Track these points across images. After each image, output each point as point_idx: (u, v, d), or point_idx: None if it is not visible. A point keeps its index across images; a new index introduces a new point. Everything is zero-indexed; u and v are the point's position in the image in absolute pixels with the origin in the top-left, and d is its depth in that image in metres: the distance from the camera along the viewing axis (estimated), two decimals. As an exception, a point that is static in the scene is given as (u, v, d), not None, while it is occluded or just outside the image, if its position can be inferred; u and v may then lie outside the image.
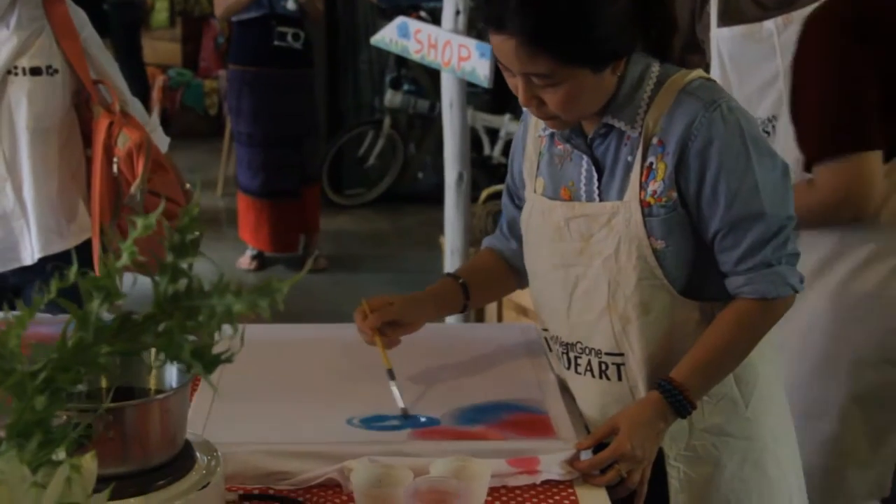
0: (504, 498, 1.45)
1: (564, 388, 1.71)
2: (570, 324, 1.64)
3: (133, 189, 2.39)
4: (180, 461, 1.27)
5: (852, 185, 1.98)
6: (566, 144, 1.62)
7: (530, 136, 1.71)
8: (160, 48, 8.43)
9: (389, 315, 1.68)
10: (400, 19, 3.36)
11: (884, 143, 2.00)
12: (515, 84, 1.52)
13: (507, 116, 5.99)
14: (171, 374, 1.32)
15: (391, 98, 6.19)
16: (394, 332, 1.69)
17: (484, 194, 4.08)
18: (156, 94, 8.05)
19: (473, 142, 5.56)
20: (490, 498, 1.43)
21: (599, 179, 1.59)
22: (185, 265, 0.69)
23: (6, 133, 2.37)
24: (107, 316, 0.71)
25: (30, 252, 2.43)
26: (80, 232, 2.46)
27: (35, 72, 2.38)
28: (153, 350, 0.73)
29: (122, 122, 2.42)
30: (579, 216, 1.59)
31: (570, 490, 1.47)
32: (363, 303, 1.69)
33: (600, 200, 1.58)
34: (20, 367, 0.66)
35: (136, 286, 0.74)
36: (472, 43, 3.09)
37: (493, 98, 5.91)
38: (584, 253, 1.59)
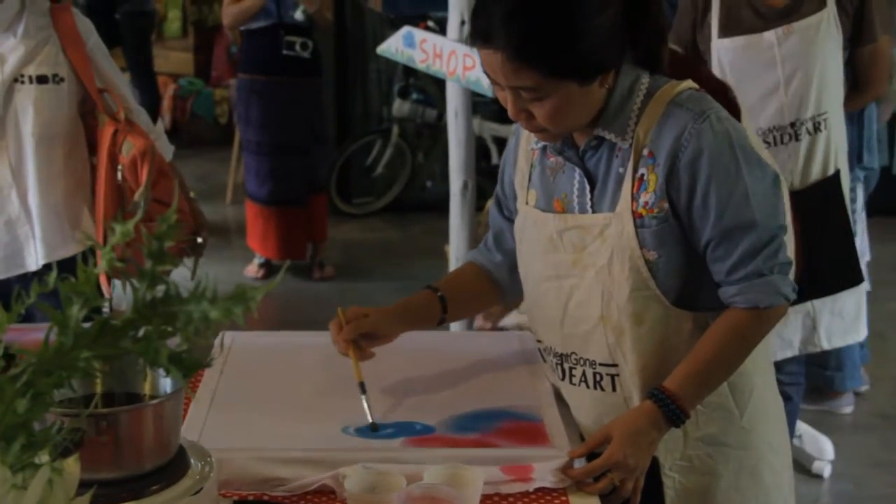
0: (497, 505, 1.45)
1: (560, 397, 1.72)
2: (563, 335, 1.64)
3: (137, 196, 2.41)
4: (174, 466, 1.28)
5: None
6: (558, 157, 1.63)
7: (522, 148, 1.71)
8: (172, 57, 8.47)
9: (364, 327, 1.68)
10: (406, 29, 3.38)
11: None
12: (505, 97, 1.52)
13: (515, 125, 5.99)
14: (166, 380, 1.33)
15: (399, 107, 6.21)
16: (368, 345, 1.69)
17: (490, 202, 4.08)
18: (166, 103, 8.10)
19: (481, 151, 5.56)
20: (483, 505, 1.44)
21: (592, 191, 1.59)
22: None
23: (12, 140, 2.40)
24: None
25: (34, 258, 2.45)
26: (85, 238, 2.48)
27: (41, 80, 2.40)
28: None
29: (127, 129, 2.44)
30: (572, 228, 1.60)
31: (564, 498, 1.47)
32: (339, 312, 1.69)
33: (593, 212, 1.58)
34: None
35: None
36: (476, 53, 3.10)
37: (501, 107, 5.91)
38: (577, 264, 1.59)
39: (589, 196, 1.59)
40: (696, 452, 1.63)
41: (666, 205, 1.53)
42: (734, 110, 1.60)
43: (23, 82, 2.39)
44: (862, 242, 3.21)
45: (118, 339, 0.68)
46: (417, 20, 5.34)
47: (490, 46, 1.47)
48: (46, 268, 2.44)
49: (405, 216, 6.34)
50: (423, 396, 1.72)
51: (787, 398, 2.96)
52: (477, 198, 3.51)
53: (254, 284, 5.16)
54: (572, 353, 1.64)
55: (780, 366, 2.89)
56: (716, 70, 2.74)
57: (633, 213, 1.53)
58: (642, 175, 1.53)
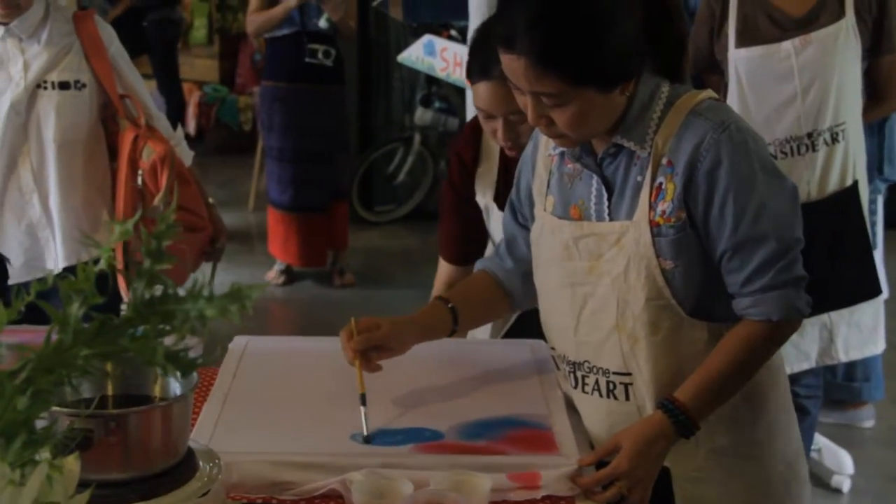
0: (505, 512, 1.45)
1: (571, 405, 1.71)
2: (577, 342, 1.64)
3: (156, 201, 2.44)
4: (182, 468, 1.29)
5: None
6: (576, 163, 1.63)
7: (540, 154, 1.71)
8: (198, 65, 8.53)
9: (375, 340, 1.67)
10: (427, 37, 3.40)
11: None
12: (525, 102, 1.53)
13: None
14: (176, 383, 1.34)
15: (421, 115, 6.22)
16: (378, 356, 1.67)
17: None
18: (191, 110, 8.16)
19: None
20: (491, 512, 1.44)
21: (609, 199, 1.59)
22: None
23: (34, 145, 2.44)
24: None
25: (54, 261, 2.48)
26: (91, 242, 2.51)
27: (63, 86, 2.44)
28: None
29: (147, 135, 2.47)
30: (588, 235, 1.60)
31: (571, 506, 1.48)
32: (351, 321, 1.68)
33: (610, 220, 1.58)
34: (-2, 368, 0.68)
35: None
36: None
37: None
38: (593, 272, 1.59)
39: (606, 203, 1.59)
40: (709, 464, 1.62)
41: (683, 214, 1.52)
42: None
43: (45, 88, 2.43)
44: (878, 254, 3.18)
45: (117, 338, 0.69)
46: (440, 29, 5.36)
47: (513, 52, 1.47)
48: (67, 271, 2.47)
49: (426, 224, 6.35)
50: (433, 403, 1.72)
51: (804, 411, 2.94)
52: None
53: (273, 291, 5.23)
54: (585, 361, 1.64)
55: (797, 378, 2.88)
56: (733, 80, 2.73)
57: (651, 221, 1.53)
58: (660, 184, 1.53)
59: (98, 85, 2.47)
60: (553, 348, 1.72)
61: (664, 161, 1.53)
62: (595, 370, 1.63)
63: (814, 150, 2.71)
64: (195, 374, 1.32)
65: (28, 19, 2.42)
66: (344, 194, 5.44)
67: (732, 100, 2.71)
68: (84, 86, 2.45)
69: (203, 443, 1.39)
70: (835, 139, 2.71)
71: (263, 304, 5.16)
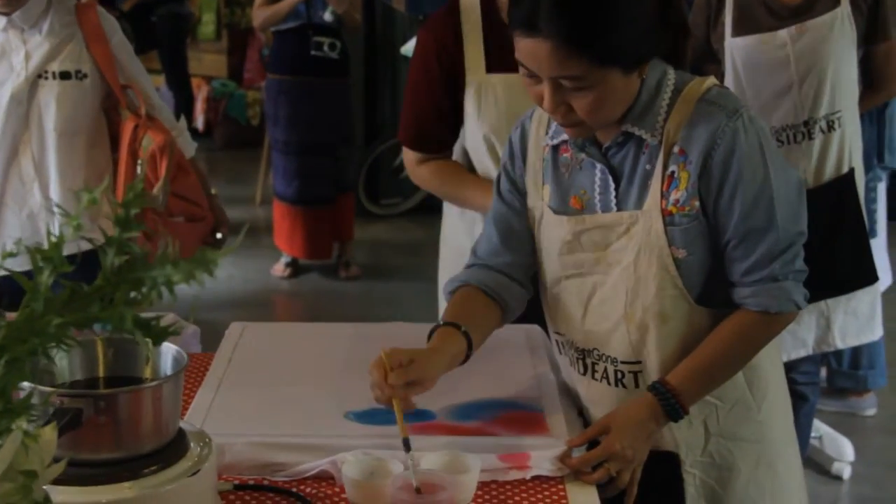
0: (494, 492, 1.46)
1: (563, 389, 1.72)
2: (585, 331, 1.63)
3: (155, 190, 2.46)
4: (172, 448, 1.31)
5: None
6: (577, 153, 1.61)
7: (531, 143, 1.68)
8: (206, 60, 8.57)
9: (411, 375, 1.50)
10: (428, 29, 3.40)
11: None
12: (538, 92, 1.49)
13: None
14: (167, 363, 1.36)
15: (428, 109, 6.23)
16: (409, 391, 1.51)
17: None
18: (200, 105, 8.19)
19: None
20: (480, 492, 1.45)
21: (617, 188, 1.58)
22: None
23: (35, 135, 2.46)
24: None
25: (56, 250, 2.49)
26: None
27: (64, 76, 2.46)
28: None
29: (147, 125, 2.48)
30: (591, 228, 1.59)
31: (560, 486, 1.48)
32: (382, 356, 1.51)
33: (618, 209, 1.57)
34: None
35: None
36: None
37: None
38: (601, 262, 1.59)
39: (613, 193, 1.58)
40: (717, 448, 1.64)
41: (697, 203, 1.52)
42: None
43: (46, 78, 2.45)
44: (880, 242, 3.19)
45: (88, 306, 0.71)
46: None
47: (537, 35, 1.44)
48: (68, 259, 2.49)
49: (432, 217, 6.32)
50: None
51: (803, 398, 2.95)
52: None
53: (279, 283, 5.24)
54: (594, 349, 1.63)
55: (794, 365, 2.89)
56: (729, 69, 2.74)
57: (663, 210, 1.53)
58: (672, 172, 1.52)
59: (99, 75, 2.49)
60: (559, 333, 1.70)
61: (676, 149, 1.52)
62: (604, 358, 1.62)
63: (810, 138, 2.72)
64: (185, 356, 1.35)
65: (30, 10, 2.44)
66: (350, 187, 5.46)
67: (729, 88, 2.72)
68: (85, 76, 2.47)
69: (196, 426, 1.41)
70: (831, 127, 2.72)
71: (269, 296, 5.20)
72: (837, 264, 2.61)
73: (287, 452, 1.51)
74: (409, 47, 3.49)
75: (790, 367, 2.60)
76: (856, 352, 3.40)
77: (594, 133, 1.57)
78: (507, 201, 1.71)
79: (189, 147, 2.68)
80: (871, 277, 2.74)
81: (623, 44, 1.45)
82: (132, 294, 0.71)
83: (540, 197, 1.66)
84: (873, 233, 3.04)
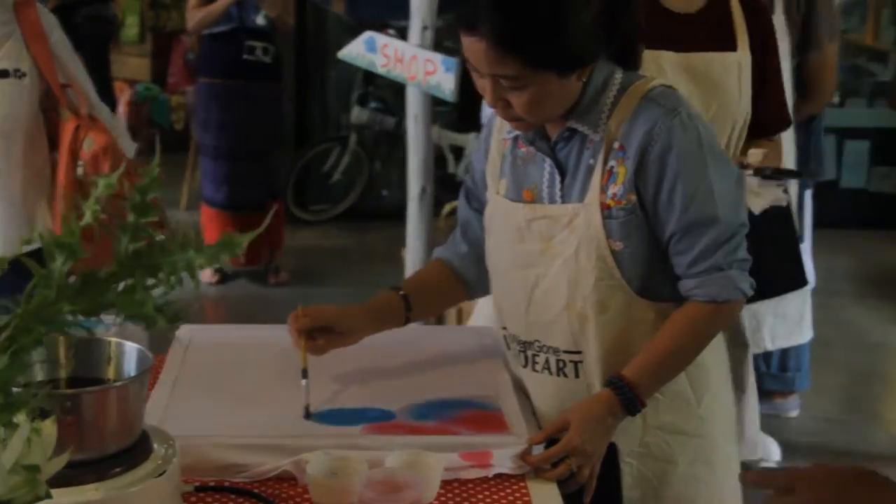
0: (457, 491, 1.48)
1: (519, 387, 1.75)
2: (528, 322, 1.67)
3: (101, 189, 2.41)
4: (137, 449, 1.30)
5: None
6: (530, 147, 1.66)
7: (494, 138, 1.74)
8: (129, 63, 8.40)
9: (322, 320, 1.68)
10: (367, 34, 3.41)
11: None
12: (483, 85, 1.55)
13: (472, 135, 6.03)
14: (130, 364, 1.34)
15: (358, 115, 6.23)
16: (327, 342, 1.70)
17: (447, 208, 4.12)
18: (122, 109, 8.03)
19: (438, 159, 5.58)
20: (443, 491, 1.46)
21: (562, 182, 1.63)
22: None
23: (-27, 134, 2.39)
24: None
25: (-9, 251, 2.43)
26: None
27: (3, 74, 2.40)
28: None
29: (89, 125, 2.45)
30: (541, 218, 1.63)
31: (522, 484, 1.50)
32: (298, 307, 1.69)
33: (562, 202, 1.62)
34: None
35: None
36: (438, 58, 3.14)
37: (460, 116, 5.97)
38: (545, 254, 1.63)
39: (559, 186, 1.63)
40: (654, 440, 1.67)
41: (633, 197, 1.57)
42: None
43: (-16, 76, 2.39)
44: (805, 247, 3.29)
45: (102, 293, 0.70)
46: (381, 27, 5.38)
47: (474, 33, 1.49)
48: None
49: (361, 224, 6.35)
50: (384, 383, 1.74)
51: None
52: (433, 205, 3.54)
53: (207, 290, 5.17)
54: (536, 340, 1.67)
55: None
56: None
57: (602, 204, 1.57)
58: (612, 167, 1.57)
59: (38, 74, 2.44)
60: (504, 328, 1.75)
61: (616, 145, 1.57)
62: (545, 349, 1.66)
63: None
64: (150, 356, 1.33)
65: (-33, 8, 2.38)
66: (279, 193, 5.43)
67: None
68: (24, 74, 2.41)
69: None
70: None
71: (198, 302, 5.13)
72: (768, 267, 2.67)
73: (247, 453, 1.49)
74: (346, 52, 3.49)
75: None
76: (784, 354, 3.50)
77: (540, 128, 1.62)
78: (468, 196, 1.82)
79: (129, 148, 2.64)
80: (800, 281, 2.82)
81: (558, 49, 1.49)
82: (149, 280, 0.70)
83: (496, 190, 1.71)
84: (801, 238, 3.13)
